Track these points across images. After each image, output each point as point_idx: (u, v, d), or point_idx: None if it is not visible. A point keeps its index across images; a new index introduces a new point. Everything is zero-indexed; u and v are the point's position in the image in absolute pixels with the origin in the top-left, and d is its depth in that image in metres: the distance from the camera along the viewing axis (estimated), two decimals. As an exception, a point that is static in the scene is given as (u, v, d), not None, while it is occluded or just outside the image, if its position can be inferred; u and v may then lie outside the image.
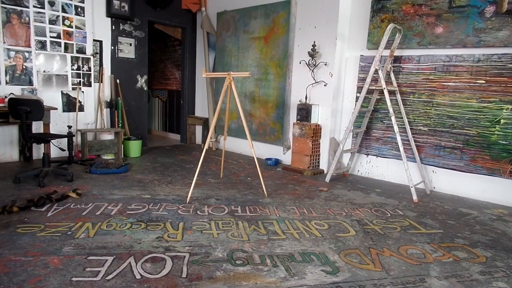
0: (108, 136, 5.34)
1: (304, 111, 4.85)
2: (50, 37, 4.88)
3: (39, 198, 3.17)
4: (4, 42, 4.51)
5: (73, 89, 5.17)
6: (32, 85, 4.77)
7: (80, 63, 5.20)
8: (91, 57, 5.31)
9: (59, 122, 5.01)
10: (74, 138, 4.74)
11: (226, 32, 6.06)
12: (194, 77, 6.96)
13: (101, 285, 1.93)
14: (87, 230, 2.63)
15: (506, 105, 3.67)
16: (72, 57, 5.11)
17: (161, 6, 6.13)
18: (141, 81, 6.11)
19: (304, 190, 3.98)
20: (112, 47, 5.64)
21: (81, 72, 5.23)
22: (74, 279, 1.97)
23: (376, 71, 4.08)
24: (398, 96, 4.21)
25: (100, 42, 5.47)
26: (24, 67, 4.71)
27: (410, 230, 2.92)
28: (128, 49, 5.85)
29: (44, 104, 3.92)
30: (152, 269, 2.12)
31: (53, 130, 4.72)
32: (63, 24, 4.98)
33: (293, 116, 5.18)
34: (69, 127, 4.61)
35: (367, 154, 4.74)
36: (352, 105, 4.77)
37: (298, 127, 4.85)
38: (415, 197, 3.73)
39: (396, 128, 3.92)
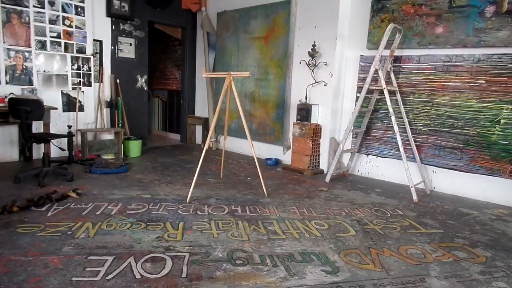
0: (108, 136, 5.34)
1: (304, 111, 4.85)
2: (50, 37, 4.88)
3: (39, 198, 3.17)
4: (4, 42, 4.51)
5: (73, 89, 5.17)
6: (32, 85, 4.77)
7: (80, 63, 5.20)
8: (91, 57, 5.30)
9: (59, 122, 5.01)
10: (74, 138, 4.73)
11: (226, 32, 6.06)
12: (194, 77, 6.95)
13: (101, 285, 1.93)
14: (87, 230, 2.63)
15: (506, 105, 3.67)
16: (72, 57, 5.11)
17: (161, 6, 6.13)
18: (141, 81, 6.11)
19: (304, 190, 3.98)
20: (112, 47, 5.64)
21: (81, 72, 5.22)
22: (74, 279, 1.97)
23: (376, 71, 4.08)
24: (398, 96, 4.21)
25: (100, 42, 5.47)
26: (24, 67, 4.71)
27: (410, 230, 2.92)
28: (128, 49, 5.84)
29: (44, 104, 3.93)
30: (152, 269, 2.12)
31: (53, 130, 4.71)
32: (63, 24, 4.98)
33: (293, 116, 5.18)
34: (69, 127, 4.61)
35: (367, 154, 4.75)
36: (352, 105, 4.77)
37: (298, 127, 4.85)
38: (415, 197, 3.73)
39: (396, 128, 3.92)
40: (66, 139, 4.54)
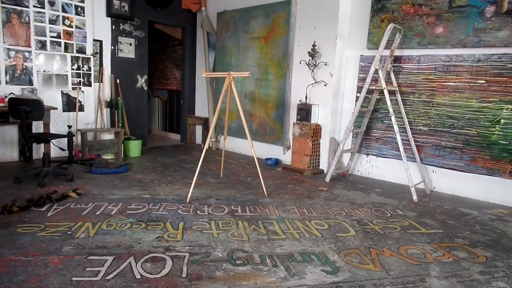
0: (108, 136, 5.34)
1: (304, 111, 4.85)
2: (50, 37, 4.88)
3: (39, 198, 3.17)
4: (4, 42, 4.51)
5: (73, 89, 5.17)
6: (32, 85, 4.77)
7: (80, 63, 5.20)
8: (91, 57, 5.30)
9: (59, 122, 5.00)
10: (74, 138, 4.73)
11: (226, 32, 6.06)
12: (194, 77, 6.96)
13: (101, 285, 1.93)
14: (87, 230, 2.63)
15: (506, 105, 3.67)
16: (72, 57, 5.11)
17: (161, 6, 6.13)
18: (141, 81, 6.11)
19: (304, 190, 3.98)
20: (112, 47, 5.64)
21: (81, 72, 5.22)
22: (74, 279, 1.97)
23: (376, 71, 4.08)
24: (398, 96, 4.21)
25: (100, 42, 5.47)
26: (24, 67, 4.71)
27: (410, 230, 2.92)
28: (128, 49, 5.84)
29: (44, 104, 3.92)
30: (152, 269, 2.12)
31: (53, 130, 4.70)
32: (63, 24, 4.97)
33: (293, 116, 5.18)
34: (69, 127, 4.61)
35: (367, 154, 4.74)
36: (352, 105, 4.77)
37: (298, 127, 4.85)
38: (415, 197, 3.73)
39: (396, 128, 3.92)
40: (66, 139, 4.54)
